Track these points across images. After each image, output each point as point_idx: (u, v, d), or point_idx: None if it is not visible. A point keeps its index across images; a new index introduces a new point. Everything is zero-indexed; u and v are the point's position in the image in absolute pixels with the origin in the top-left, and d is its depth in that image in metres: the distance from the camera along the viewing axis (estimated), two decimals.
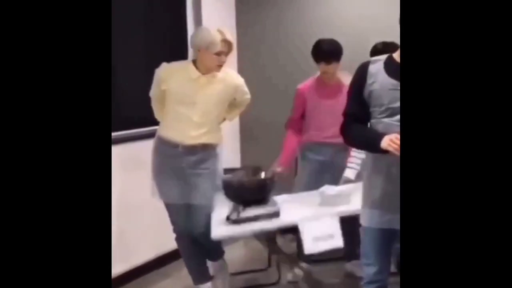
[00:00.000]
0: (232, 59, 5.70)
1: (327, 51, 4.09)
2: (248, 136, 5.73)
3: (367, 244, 2.83)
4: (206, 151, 3.78)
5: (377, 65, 2.69)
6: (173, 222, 3.87)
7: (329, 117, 4.16)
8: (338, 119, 4.08)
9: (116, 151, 4.17)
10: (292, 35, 5.35)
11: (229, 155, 5.56)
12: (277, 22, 5.50)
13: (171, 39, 5.14)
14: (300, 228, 3.40)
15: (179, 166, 3.73)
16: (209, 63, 3.64)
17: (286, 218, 3.49)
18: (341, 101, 4.07)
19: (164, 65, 3.74)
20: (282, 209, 3.57)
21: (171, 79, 3.67)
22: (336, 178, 4.15)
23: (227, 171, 4.56)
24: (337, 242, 3.35)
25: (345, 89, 4.07)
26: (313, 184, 4.14)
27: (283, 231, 5.02)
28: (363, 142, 2.74)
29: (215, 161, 3.82)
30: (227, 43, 3.60)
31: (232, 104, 3.92)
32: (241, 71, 5.69)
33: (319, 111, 4.23)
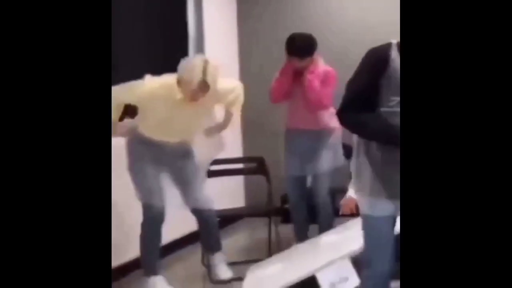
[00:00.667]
0: (234, 49, 5.73)
1: (301, 47, 4.16)
2: (250, 126, 5.74)
3: (370, 234, 2.73)
4: (190, 144, 3.91)
5: (396, 51, 2.46)
6: (148, 206, 3.81)
7: (302, 103, 4.27)
8: (311, 106, 4.24)
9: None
10: (292, 28, 5.33)
11: (231, 145, 5.58)
12: (277, 15, 5.49)
13: (172, 35, 5.13)
14: (318, 277, 3.51)
15: (163, 162, 3.80)
16: (185, 94, 3.60)
17: (303, 270, 3.61)
18: (314, 87, 4.21)
19: (148, 81, 3.65)
20: (297, 260, 3.81)
21: (153, 101, 3.63)
22: (314, 164, 4.32)
23: (220, 161, 4.61)
24: (353, 282, 3.39)
25: (317, 75, 4.21)
26: (294, 169, 4.37)
27: (286, 220, 5.08)
28: (379, 131, 2.52)
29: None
30: (205, 84, 3.54)
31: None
32: (242, 62, 5.72)
33: (294, 98, 4.33)
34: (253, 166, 4.85)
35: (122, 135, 3.86)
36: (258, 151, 5.18)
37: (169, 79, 3.68)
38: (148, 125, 3.75)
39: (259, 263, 4.17)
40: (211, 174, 4.52)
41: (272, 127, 5.10)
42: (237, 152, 5.68)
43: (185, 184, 3.92)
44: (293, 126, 4.44)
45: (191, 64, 3.58)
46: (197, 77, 3.50)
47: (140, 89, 3.63)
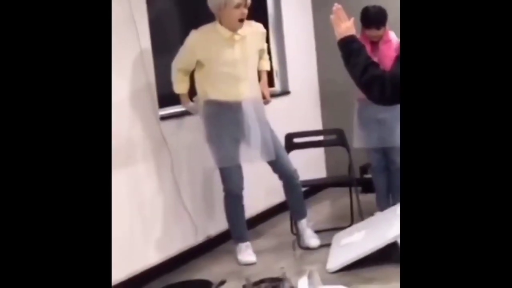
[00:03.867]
0: (309, 24, 5.87)
1: (376, 18, 4.39)
2: (328, 98, 5.93)
3: None
4: (258, 103, 4.05)
5: None
6: (226, 181, 4.06)
7: None
8: None
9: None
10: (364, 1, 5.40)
11: (311, 118, 5.78)
12: None
13: (253, 11, 5.26)
14: (399, 243, 3.69)
15: (236, 125, 3.95)
16: (232, 19, 3.83)
17: (385, 237, 3.81)
18: (390, 56, 4.33)
19: (193, 33, 3.90)
20: (379, 227, 4.00)
21: (205, 46, 3.87)
22: (385, 137, 4.52)
23: (301, 134, 4.77)
24: None
25: (391, 44, 4.39)
26: (363, 141, 4.63)
27: (365, 190, 5.25)
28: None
29: (264, 112, 4.10)
30: None
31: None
32: (317, 33, 5.86)
33: None
34: (333, 137, 4.98)
35: (191, 109, 4.13)
36: (337, 123, 5.33)
37: (209, 25, 3.94)
38: (209, 80, 3.93)
39: (343, 231, 4.38)
40: (293, 146, 4.69)
41: (350, 99, 5.20)
42: (317, 125, 5.86)
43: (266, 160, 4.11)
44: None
45: None
46: None
47: (189, 42, 3.91)
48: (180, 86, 4.04)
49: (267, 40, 5.09)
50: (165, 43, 4.36)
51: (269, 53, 4.76)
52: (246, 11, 3.87)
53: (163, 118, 4.14)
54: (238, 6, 3.81)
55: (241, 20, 3.87)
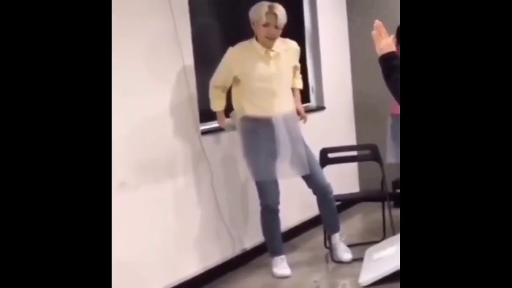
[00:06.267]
0: (344, 38, 5.97)
1: None
2: (362, 114, 6.00)
3: None
4: (291, 119, 4.14)
5: None
6: (263, 196, 4.17)
7: None
8: None
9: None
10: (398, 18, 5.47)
11: (345, 133, 5.87)
12: (384, 8, 5.64)
13: (290, 26, 5.37)
14: None
15: (271, 140, 4.05)
16: (261, 36, 3.99)
17: None
18: None
19: (230, 50, 4.05)
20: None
21: (241, 62, 4.01)
22: None
23: (335, 149, 4.84)
24: None
25: None
26: (395, 156, 4.67)
27: (398, 204, 5.30)
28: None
29: (299, 127, 4.20)
30: (273, 15, 3.93)
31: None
32: (353, 48, 5.95)
33: None
34: (367, 153, 5.04)
35: (226, 127, 4.25)
36: (371, 138, 5.40)
37: (246, 42, 4.09)
38: (245, 95, 4.06)
39: (376, 245, 4.44)
40: (328, 161, 4.77)
41: (383, 114, 5.26)
42: (351, 140, 5.95)
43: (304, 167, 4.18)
44: (397, 111, 4.61)
45: (257, 5, 4.01)
46: (264, 10, 3.93)
47: (226, 59, 4.05)
48: (217, 103, 4.16)
49: (304, 57, 5.23)
50: (207, 59, 4.48)
51: (304, 71, 4.85)
52: (276, 31, 3.99)
53: (203, 132, 4.27)
54: (266, 25, 3.96)
55: (269, 38, 4.00)
